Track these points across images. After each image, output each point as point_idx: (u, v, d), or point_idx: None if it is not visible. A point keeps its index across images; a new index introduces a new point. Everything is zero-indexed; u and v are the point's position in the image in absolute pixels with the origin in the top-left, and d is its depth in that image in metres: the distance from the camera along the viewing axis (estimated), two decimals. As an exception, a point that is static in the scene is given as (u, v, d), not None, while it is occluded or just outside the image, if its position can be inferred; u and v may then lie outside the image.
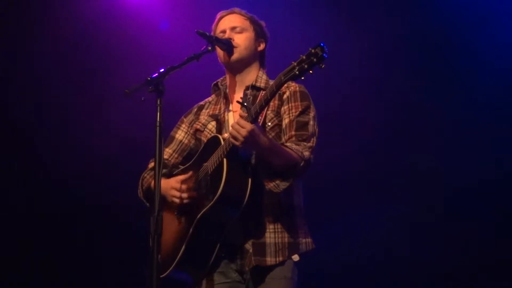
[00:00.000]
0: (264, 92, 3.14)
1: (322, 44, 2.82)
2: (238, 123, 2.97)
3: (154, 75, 2.99)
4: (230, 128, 3.03)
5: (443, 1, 5.40)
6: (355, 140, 5.40)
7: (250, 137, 2.95)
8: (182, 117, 3.64)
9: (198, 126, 3.51)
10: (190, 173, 3.29)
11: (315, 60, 2.81)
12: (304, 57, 2.85)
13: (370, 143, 5.39)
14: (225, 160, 3.09)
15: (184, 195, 3.22)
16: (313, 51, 2.82)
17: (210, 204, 3.09)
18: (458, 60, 5.33)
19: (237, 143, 2.98)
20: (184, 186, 3.23)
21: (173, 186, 3.24)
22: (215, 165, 3.14)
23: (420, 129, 5.40)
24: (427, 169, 5.30)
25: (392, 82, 5.42)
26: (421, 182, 5.30)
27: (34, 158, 5.69)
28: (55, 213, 5.68)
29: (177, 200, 3.24)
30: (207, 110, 3.55)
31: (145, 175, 3.51)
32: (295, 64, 2.87)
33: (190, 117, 3.60)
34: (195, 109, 3.62)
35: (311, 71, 2.84)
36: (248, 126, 2.95)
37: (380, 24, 5.41)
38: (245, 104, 2.99)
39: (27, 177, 5.70)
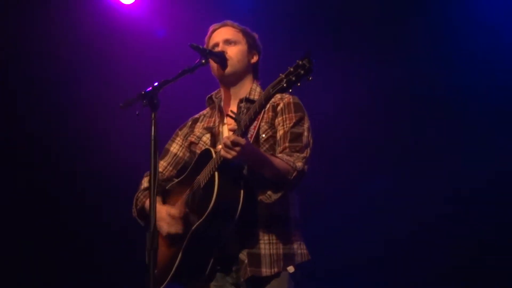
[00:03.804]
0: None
1: (309, 56, 2.80)
2: (228, 138, 2.96)
3: (148, 89, 2.98)
4: (221, 143, 3.02)
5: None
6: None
7: (241, 151, 2.95)
8: (177, 130, 3.65)
9: (193, 139, 3.52)
10: (182, 200, 3.30)
11: (302, 72, 2.79)
12: (291, 69, 2.82)
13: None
14: (216, 173, 3.09)
15: (171, 229, 3.25)
16: (300, 63, 2.80)
17: (202, 218, 3.09)
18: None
19: (228, 156, 2.97)
20: (172, 221, 3.25)
21: (162, 218, 3.27)
22: (207, 178, 3.15)
23: (419, 127, 5.43)
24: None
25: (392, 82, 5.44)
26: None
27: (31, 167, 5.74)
28: (50, 227, 5.74)
29: (163, 233, 3.27)
30: (202, 123, 3.56)
31: (139, 195, 3.53)
32: (283, 76, 2.84)
33: (185, 130, 3.62)
34: (190, 122, 3.63)
35: (298, 84, 2.82)
36: (239, 140, 2.94)
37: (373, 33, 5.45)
38: (235, 117, 2.99)
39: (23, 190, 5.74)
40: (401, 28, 5.38)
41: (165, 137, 3.56)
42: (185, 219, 3.25)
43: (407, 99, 5.39)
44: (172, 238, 3.29)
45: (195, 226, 3.14)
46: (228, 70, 3.41)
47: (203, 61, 3.28)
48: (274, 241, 3.23)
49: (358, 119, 5.40)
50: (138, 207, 3.49)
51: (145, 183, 3.56)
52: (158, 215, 3.18)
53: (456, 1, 5.38)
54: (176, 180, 3.49)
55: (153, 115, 2.95)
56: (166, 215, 3.27)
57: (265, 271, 3.19)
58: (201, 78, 3.45)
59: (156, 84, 3.01)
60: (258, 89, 3.46)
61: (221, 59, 3.39)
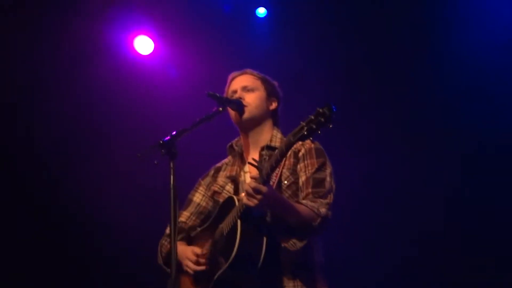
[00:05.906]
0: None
1: (330, 104, 2.80)
2: (250, 186, 2.98)
3: (166, 138, 3.01)
4: (244, 191, 3.04)
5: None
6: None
7: (264, 199, 2.97)
8: (200, 179, 3.67)
9: (216, 188, 3.54)
10: (206, 246, 3.33)
11: (323, 120, 2.78)
12: (312, 117, 2.82)
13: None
14: (239, 221, 3.10)
15: (197, 268, 3.28)
16: (321, 111, 2.79)
17: (225, 267, 3.10)
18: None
19: (251, 204, 2.99)
20: (199, 260, 3.29)
21: (187, 257, 3.31)
22: (230, 226, 3.16)
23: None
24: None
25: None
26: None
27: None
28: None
29: (190, 271, 3.31)
30: (224, 172, 3.58)
31: (163, 241, 3.54)
32: (304, 124, 2.84)
33: (208, 179, 3.64)
34: (212, 172, 3.65)
35: (319, 132, 2.81)
36: (261, 188, 2.96)
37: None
38: (257, 165, 3.01)
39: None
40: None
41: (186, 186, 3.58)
42: (209, 265, 3.27)
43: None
44: (201, 274, 3.29)
45: (218, 273, 3.15)
46: (246, 116, 3.42)
47: (220, 108, 3.32)
48: (299, 286, 3.21)
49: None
50: (163, 254, 3.50)
51: (167, 230, 3.56)
52: (183, 254, 3.28)
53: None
54: (200, 228, 3.51)
55: (171, 164, 2.98)
56: (191, 254, 3.30)
57: None
58: (220, 126, 3.45)
59: (174, 133, 3.05)
60: (279, 135, 3.47)
61: (238, 105, 3.41)
